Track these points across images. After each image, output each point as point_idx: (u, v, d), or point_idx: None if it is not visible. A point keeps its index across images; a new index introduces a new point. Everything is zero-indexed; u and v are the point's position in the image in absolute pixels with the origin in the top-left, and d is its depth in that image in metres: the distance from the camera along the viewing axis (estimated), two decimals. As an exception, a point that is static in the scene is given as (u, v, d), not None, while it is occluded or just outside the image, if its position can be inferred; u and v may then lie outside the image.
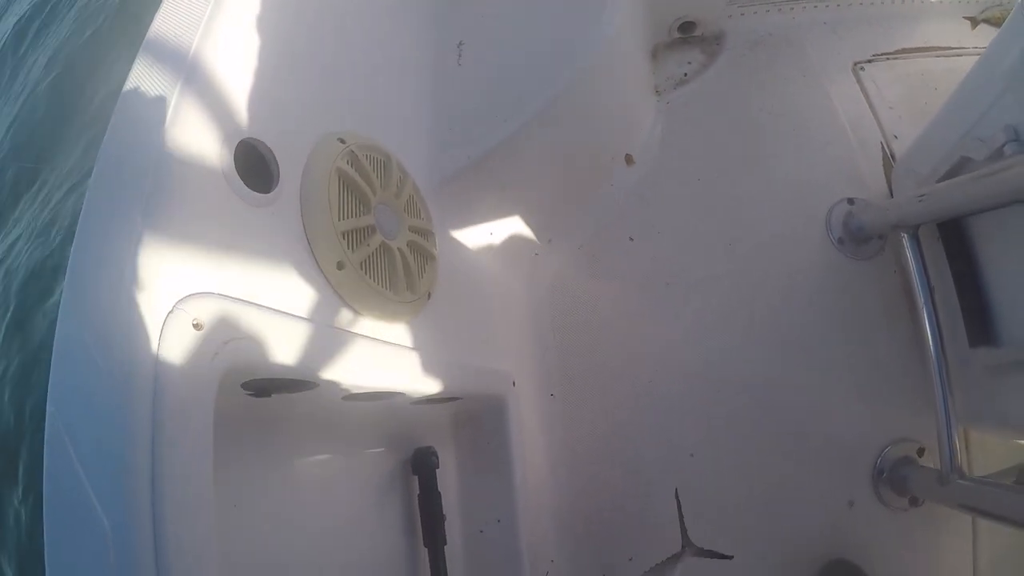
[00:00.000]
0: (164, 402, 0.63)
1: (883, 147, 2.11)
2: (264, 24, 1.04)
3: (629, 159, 2.12)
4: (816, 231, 1.94)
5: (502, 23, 1.92)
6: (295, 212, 0.97)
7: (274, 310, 0.82)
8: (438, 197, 1.57)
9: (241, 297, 0.79)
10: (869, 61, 2.36)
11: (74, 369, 0.67)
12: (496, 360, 1.64)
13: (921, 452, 1.75)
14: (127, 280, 0.68)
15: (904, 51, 2.42)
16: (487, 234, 1.81)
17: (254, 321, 0.77)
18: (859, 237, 1.91)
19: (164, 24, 0.90)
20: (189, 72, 0.85)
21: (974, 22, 2.60)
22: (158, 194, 0.74)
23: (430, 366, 1.19)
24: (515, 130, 1.72)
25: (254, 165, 0.91)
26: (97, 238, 0.72)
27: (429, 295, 1.29)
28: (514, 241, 1.88)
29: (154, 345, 0.65)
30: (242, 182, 0.86)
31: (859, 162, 2.07)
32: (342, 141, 1.11)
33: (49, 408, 0.67)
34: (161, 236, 0.72)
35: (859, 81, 2.30)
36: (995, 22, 2.55)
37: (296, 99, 1.09)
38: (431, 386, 1.18)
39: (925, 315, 1.62)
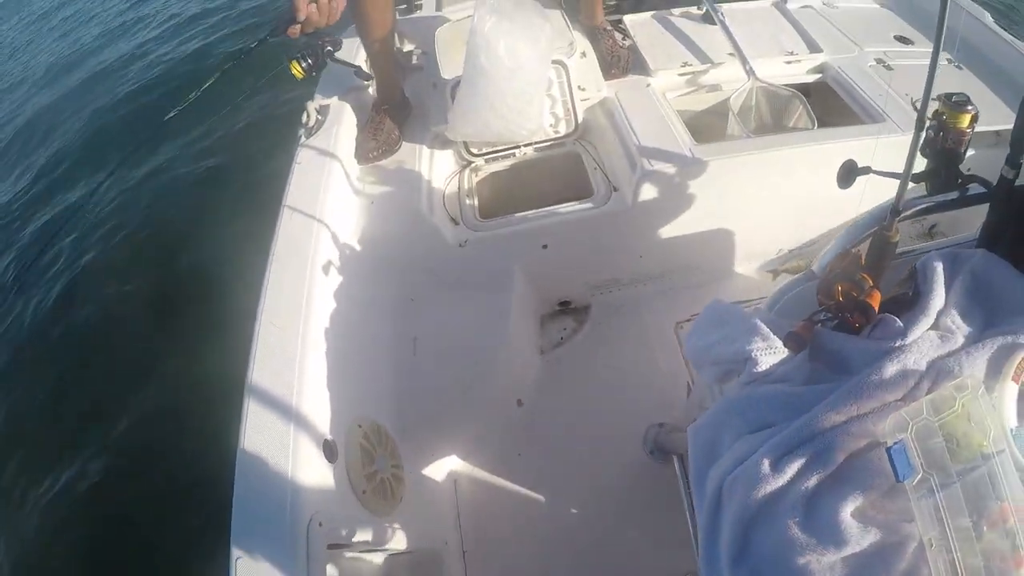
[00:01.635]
0: (315, 558, 1.68)
1: (688, 385, 2.97)
2: (319, 358, 2.18)
3: (519, 402, 2.97)
4: (636, 446, 2.85)
5: (442, 322, 3.02)
6: (343, 469, 2.06)
7: (344, 516, 1.89)
8: (406, 441, 2.62)
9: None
10: (687, 320, 3.18)
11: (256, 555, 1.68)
12: (434, 528, 2.52)
13: (701, 578, 2.68)
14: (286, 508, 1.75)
15: (714, 307, 3.44)
16: (431, 457, 2.82)
17: (337, 518, 1.84)
18: (666, 449, 2.77)
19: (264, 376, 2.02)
20: (296, 402, 1.97)
21: (775, 273, 3.22)
22: (296, 466, 1.83)
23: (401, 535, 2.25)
24: (450, 402, 2.84)
25: (328, 450, 2.02)
26: (255, 491, 1.77)
27: (400, 499, 2.35)
28: (445, 461, 2.86)
29: (303, 532, 1.71)
30: (327, 462, 1.96)
31: (670, 398, 2.98)
32: (360, 426, 2.24)
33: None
34: (300, 487, 1.79)
35: (677, 336, 3.16)
36: (793, 271, 3.09)
37: (336, 406, 2.19)
38: (402, 545, 2.22)
39: (685, 504, 2.43)
